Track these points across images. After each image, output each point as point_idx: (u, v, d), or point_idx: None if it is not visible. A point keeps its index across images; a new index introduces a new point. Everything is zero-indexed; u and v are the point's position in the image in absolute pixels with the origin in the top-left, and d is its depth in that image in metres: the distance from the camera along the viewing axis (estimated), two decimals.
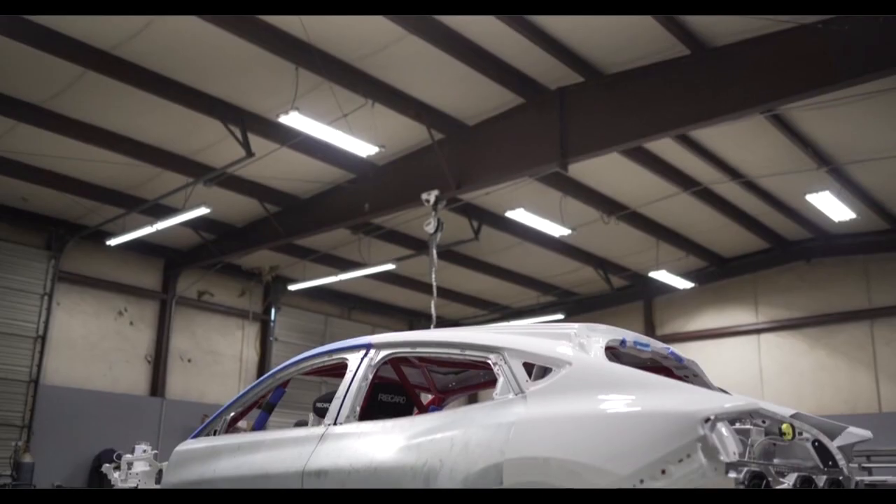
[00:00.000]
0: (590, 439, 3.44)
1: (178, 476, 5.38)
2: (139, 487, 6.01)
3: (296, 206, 15.13)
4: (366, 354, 4.77)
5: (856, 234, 16.82)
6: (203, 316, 18.40)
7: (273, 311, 19.41)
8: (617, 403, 3.53)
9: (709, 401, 3.42)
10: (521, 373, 3.98)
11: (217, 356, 18.27)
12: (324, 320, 20.36)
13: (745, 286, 19.16)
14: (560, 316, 20.52)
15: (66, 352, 15.89)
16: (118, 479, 6.16)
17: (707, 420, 3.25)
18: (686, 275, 18.24)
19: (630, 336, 4.35)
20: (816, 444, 4.47)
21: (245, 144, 11.93)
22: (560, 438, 3.53)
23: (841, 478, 4.35)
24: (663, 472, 3.21)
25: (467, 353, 4.34)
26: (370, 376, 4.67)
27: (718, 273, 19.12)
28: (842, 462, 4.43)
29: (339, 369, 4.94)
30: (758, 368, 18.76)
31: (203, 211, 13.58)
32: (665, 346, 4.63)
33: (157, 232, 14.93)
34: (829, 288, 18.02)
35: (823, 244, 17.52)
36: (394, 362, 5.14)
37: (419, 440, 4.03)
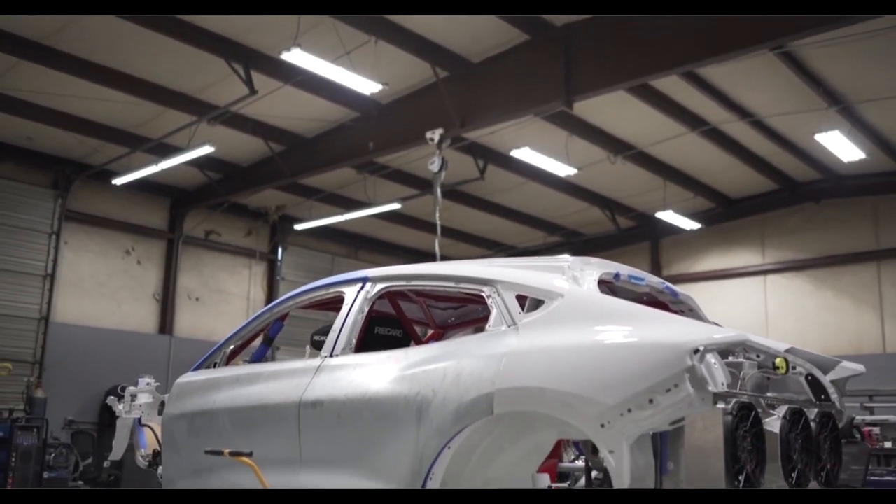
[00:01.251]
0: (579, 370, 3.48)
1: (179, 407, 5.47)
2: (142, 419, 6.13)
3: (300, 145, 15.06)
4: (362, 288, 4.80)
5: (865, 175, 16.66)
6: (210, 255, 18.50)
7: (280, 250, 19.49)
8: (607, 335, 3.56)
9: (698, 332, 3.43)
10: (514, 305, 4.00)
11: (225, 295, 18.41)
12: (330, 260, 20.42)
13: (752, 227, 19.08)
14: (566, 256, 20.46)
15: (75, 290, 16.05)
16: (122, 411, 6.26)
17: (696, 351, 3.27)
18: (693, 216, 18.16)
19: (624, 270, 4.36)
20: (810, 378, 4.51)
21: (248, 82, 11.83)
22: (550, 369, 3.57)
23: (833, 411, 4.40)
24: (651, 401, 3.24)
25: (461, 286, 4.36)
26: (366, 309, 4.71)
27: (726, 214, 19.03)
28: (834, 396, 4.48)
29: (336, 303, 4.97)
30: (763, 310, 18.80)
31: (207, 150, 13.56)
32: (661, 280, 4.64)
33: (163, 171, 14.96)
34: (837, 229, 17.93)
35: (832, 185, 17.36)
36: (390, 296, 5.16)
37: (413, 371, 4.08)
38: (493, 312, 4.05)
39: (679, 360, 3.22)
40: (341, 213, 17.53)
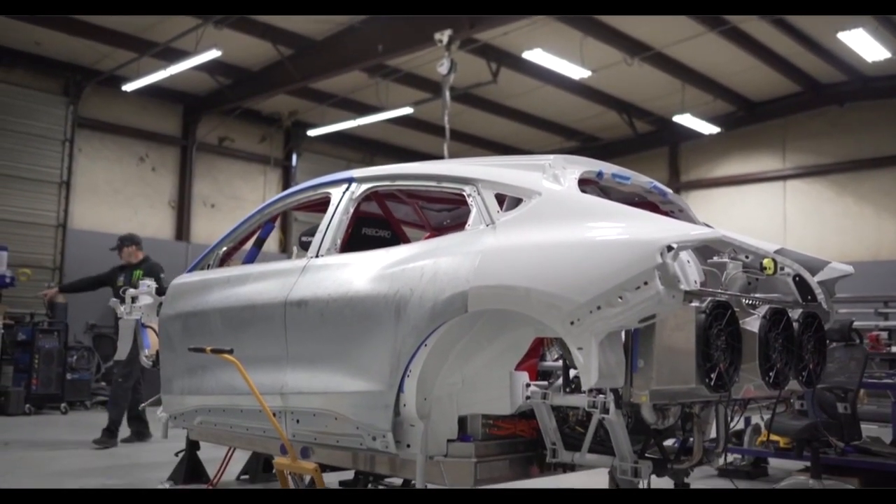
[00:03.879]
0: (552, 268, 3.45)
1: (174, 308, 5.56)
2: (143, 320, 6.24)
3: (309, 49, 14.81)
4: (347, 188, 4.77)
5: (891, 76, 16.11)
6: (225, 162, 18.50)
7: (294, 156, 19.43)
8: (580, 233, 3.51)
9: (672, 230, 3.37)
10: (493, 204, 3.96)
11: (240, 202, 18.45)
12: (346, 166, 20.26)
13: (773, 131, 18.68)
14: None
15: (91, 197, 16.18)
16: (123, 312, 6.38)
17: (670, 249, 3.21)
18: (713, 119, 17.77)
19: (607, 168, 4.28)
20: (797, 279, 4.47)
21: None
22: (522, 267, 3.55)
23: (819, 312, 4.36)
24: (620, 299, 3.22)
25: (443, 185, 4.32)
26: (351, 210, 4.69)
27: (746, 118, 18.60)
28: (821, 296, 4.43)
29: (325, 204, 4.95)
30: (782, 216, 18.58)
31: (214, 54, 13.39)
32: (649, 180, 4.55)
33: (174, 77, 14.83)
34: (861, 133, 17.50)
35: (858, 87, 16.82)
36: (378, 197, 5.14)
37: (392, 270, 4.08)
38: (473, 211, 4.03)
39: (649, 258, 3.17)
40: (354, 119, 17.35)
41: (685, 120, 17.29)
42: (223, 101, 16.90)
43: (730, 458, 7.64)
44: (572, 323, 3.29)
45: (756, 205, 18.91)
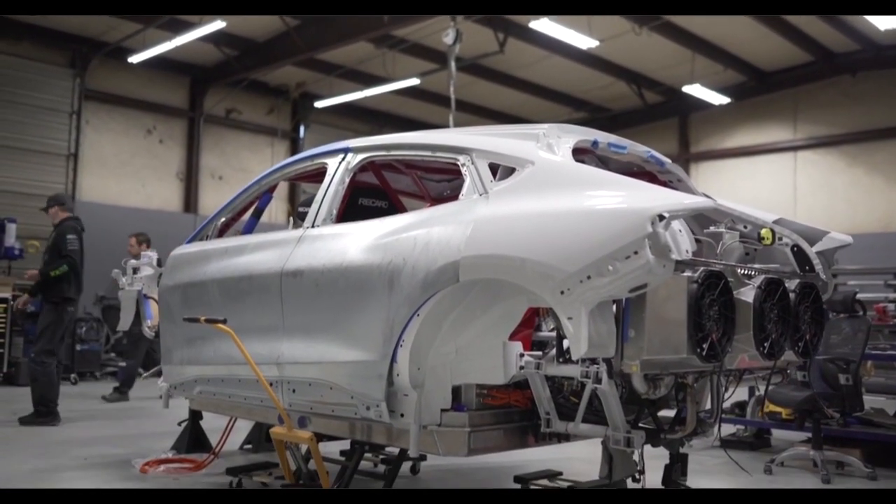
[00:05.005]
0: (542, 237, 3.42)
1: (174, 278, 5.58)
2: (143, 291, 6.27)
3: (315, 19, 14.69)
4: (343, 158, 4.76)
5: None
6: (232, 134, 18.49)
7: (302, 128, 19.40)
8: (573, 202, 3.48)
9: (664, 199, 3.34)
10: (487, 173, 3.94)
11: (248, 174, 18.42)
12: (353, 138, 20.26)
13: (784, 102, 18.46)
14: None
15: (99, 170, 16.21)
16: (125, 283, 6.42)
17: (661, 218, 3.18)
18: (723, 90, 17.58)
19: (603, 137, 4.24)
20: (795, 249, 4.44)
21: None
22: (514, 237, 3.53)
23: (817, 282, 4.33)
24: (610, 268, 3.19)
25: (438, 154, 4.29)
26: (347, 180, 4.68)
27: (757, 88, 18.38)
28: (819, 266, 4.40)
29: (322, 175, 4.94)
30: (792, 187, 18.42)
31: (219, 24, 13.34)
32: (646, 149, 4.50)
33: (180, 49, 14.79)
34: (873, 103, 17.27)
35: (871, 56, 16.54)
36: (374, 167, 5.12)
37: (386, 240, 4.07)
38: (467, 181, 4.00)
39: (639, 227, 3.14)
40: (361, 90, 17.27)
41: (695, 90, 17.11)
42: (230, 73, 16.85)
43: (733, 429, 7.66)
44: (562, 292, 3.28)
45: (766, 176, 18.75)
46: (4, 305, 11.64)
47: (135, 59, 15.17)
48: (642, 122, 20.00)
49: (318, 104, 18.55)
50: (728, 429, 7.66)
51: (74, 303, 8.21)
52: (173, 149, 17.46)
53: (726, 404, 7.46)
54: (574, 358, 3.42)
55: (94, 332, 13.38)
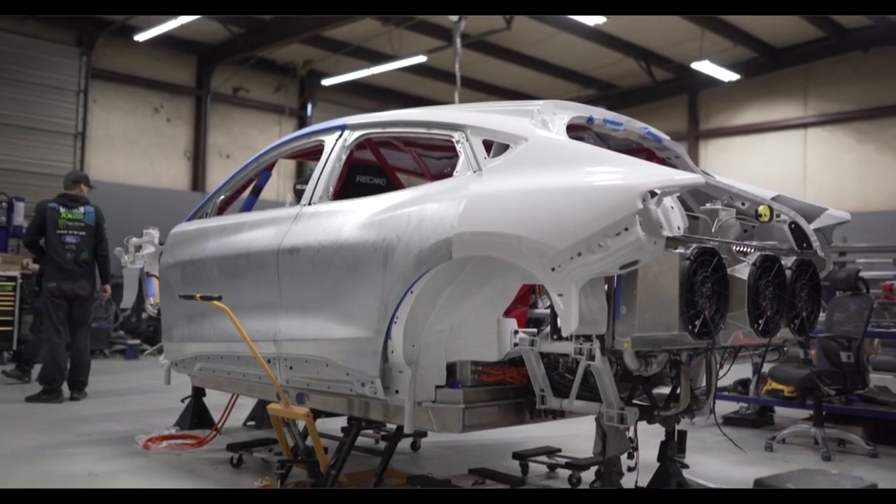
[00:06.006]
0: (533, 214, 3.41)
1: (173, 256, 5.60)
2: (145, 268, 6.30)
3: None
4: (340, 135, 4.75)
5: None
6: (239, 112, 18.49)
7: (309, 106, 19.38)
8: (564, 178, 3.46)
9: (655, 175, 3.31)
10: (481, 150, 3.92)
11: (255, 152, 18.22)
12: None
13: (795, 78, 18.30)
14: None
15: (107, 148, 16.26)
16: (127, 261, 6.45)
17: (653, 195, 3.17)
18: (733, 66, 17.41)
19: (599, 113, 4.21)
20: (793, 226, 4.41)
21: None
22: (507, 213, 3.51)
23: (814, 259, 4.31)
24: (601, 245, 3.18)
25: (433, 131, 4.28)
26: (343, 157, 4.67)
27: (768, 65, 18.22)
28: (816, 243, 4.38)
29: (320, 152, 4.93)
30: (802, 164, 18.31)
31: None
32: (643, 125, 4.47)
33: (186, 27, 14.77)
34: (885, 79, 17.10)
35: (883, 32, 16.35)
36: (371, 144, 5.11)
37: (381, 217, 4.07)
38: (461, 158, 3.99)
39: (629, 203, 3.13)
40: (368, 68, 17.21)
41: (704, 67, 16.97)
42: (237, 51, 16.84)
43: (736, 406, 7.67)
44: (553, 269, 3.27)
45: (776, 153, 18.63)
46: (13, 283, 11.68)
47: (141, 37, 15.17)
48: (651, 99, 19.88)
49: (326, 82, 18.51)
50: (732, 406, 7.68)
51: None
52: (181, 127, 17.48)
53: (729, 381, 7.51)
54: (564, 335, 3.41)
55: (102, 310, 13.44)
